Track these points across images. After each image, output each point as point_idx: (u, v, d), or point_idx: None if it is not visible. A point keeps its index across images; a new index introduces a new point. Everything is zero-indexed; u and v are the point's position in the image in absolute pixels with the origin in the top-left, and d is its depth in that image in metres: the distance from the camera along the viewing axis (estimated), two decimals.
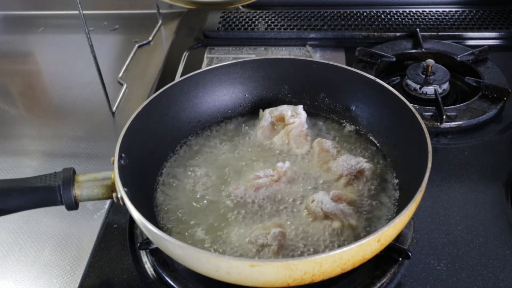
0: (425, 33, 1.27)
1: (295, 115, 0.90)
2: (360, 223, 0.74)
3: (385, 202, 0.78)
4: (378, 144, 0.88)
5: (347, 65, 0.94)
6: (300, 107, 0.92)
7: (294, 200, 0.79)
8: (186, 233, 0.75)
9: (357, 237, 0.72)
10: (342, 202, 0.76)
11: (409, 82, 1.09)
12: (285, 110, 0.91)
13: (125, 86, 1.21)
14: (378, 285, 0.70)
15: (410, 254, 0.70)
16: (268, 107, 0.95)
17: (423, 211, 0.81)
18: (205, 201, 0.79)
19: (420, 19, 1.34)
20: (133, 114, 0.81)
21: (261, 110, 0.95)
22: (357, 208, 0.77)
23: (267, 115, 0.92)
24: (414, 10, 1.39)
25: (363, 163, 0.81)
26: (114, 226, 0.83)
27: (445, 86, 1.08)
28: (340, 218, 0.73)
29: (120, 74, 1.25)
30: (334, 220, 0.73)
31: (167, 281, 0.72)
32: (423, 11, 1.38)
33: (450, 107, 1.02)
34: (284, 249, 0.70)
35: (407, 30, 1.29)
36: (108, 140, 1.00)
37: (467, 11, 1.38)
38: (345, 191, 0.79)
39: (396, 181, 0.81)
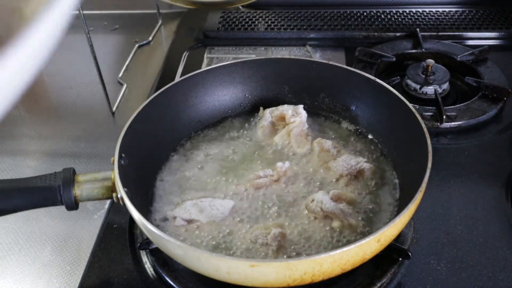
0: (425, 33, 1.27)
1: (296, 115, 0.90)
2: (359, 223, 0.74)
3: (385, 202, 0.78)
4: (378, 144, 0.88)
5: (347, 65, 0.94)
6: (301, 106, 0.92)
7: (294, 200, 0.79)
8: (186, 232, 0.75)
9: (357, 237, 0.72)
10: (342, 201, 0.76)
11: (409, 82, 1.09)
12: (286, 109, 0.91)
13: (125, 86, 1.21)
14: (378, 285, 0.70)
15: (410, 254, 0.70)
16: (268, 107, 0.95)
17: (423, 211, 0.81)
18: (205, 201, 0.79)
19: (420, 19, 1.34)
20: (133, 114, 0.81)
21: (261, 108, 0.96)
22: (357, 207, 0.77)
23: (268, 114, 0.92)
24: (414, 10, 1.39)
25: (363, 163, 0.81)
26: (114, 226, 0.83)
27: (445, 86, 1.08)
28: (339, 217, 0.73)
29: (120, 74, 1.25)
30: (334, 219, 0.73)
31: (167, 281, 0.72)
32: (423, 11, 1.38)
33: (450, 107, 1.02)
34: (283, 249, 0.70)
35: (407, 30, 1.29)
36: (108, 140, 1.00)
37: (467, 11, 1.37)
38: (345, 190, 0.79)
39: (396, 181, 0.81)
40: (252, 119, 0.96)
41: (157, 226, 0.73)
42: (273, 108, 0.94)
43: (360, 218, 0.75)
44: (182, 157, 0.88)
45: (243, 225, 0.75)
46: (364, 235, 0.72)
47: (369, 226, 0.74)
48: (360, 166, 0.81)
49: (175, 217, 0.75)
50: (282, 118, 0.91)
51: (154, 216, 0.77)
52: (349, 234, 0.73)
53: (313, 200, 0.75)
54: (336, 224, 0.73)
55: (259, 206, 0.78)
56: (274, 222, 0.75)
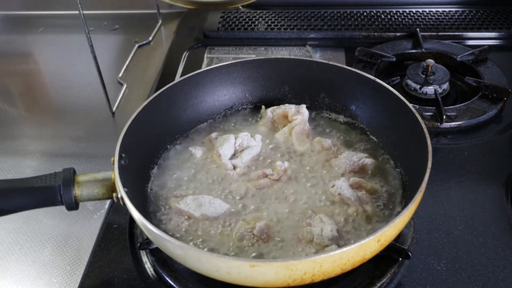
0: (425, 33, 1.27)
1: (298, 114, 0.91)
2: (376, 212, 0.75)
3: (385, 201, 0.78)
4: (378, 144, 0.88)
5: (347, 65, 0.94)
6: (304, 106, 0.92)
7: (295, 198, 0.79)
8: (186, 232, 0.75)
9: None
10: (361, 189, 0.78)
11: (409, 82, 1.09)
12: (289, 107, 0.92)
13: (125, 86, 1.21)
14: (378, 285, 0.70)
15: (410, 254, 0.70)
16: (269, 107, 0.95)
17: (423, 211, 0.81)
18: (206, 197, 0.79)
19: (420, 19, 1.34)
20: (133, 114, 0.81)
21: (263, 107, 0.96)
22: (376, 197, 0.78)
23: (269, 113, 0.93)
24: (414, 10, 1.39)
25: (365, 159, 0.82)
26: (114, 226, 0.83)
27: (445, 86, 1.08)
28: (355, 204, 0.75)
29: (120, 74, 1.25)
30: (349, 206, 0.75)
31: (167, 281, 0.72)
32: (423, 11, 1.38)
33: (450, 107, 1.02)
34: (271, 238, 0.72)
35: (407, 30, 1.29)
36: (108, 140, 1.00)
37: (467, 11, 1.38)
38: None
39: (396, 181, 0.81)
40: (252, 118, 0.96)
41: (157, 225, 0.73)
42: (275, 107, 0.94)
43: (377, 208, 0.76)
44: (182, 157, 0.88)
45: (245, 225, 0.74)
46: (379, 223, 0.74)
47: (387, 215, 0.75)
48: (362, 161, 0.82)
49: (178, 208, 0.76)
50: (284, 117, 0.92)
51: (154, 216, 0.77)
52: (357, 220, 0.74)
53: (333, 186, 0.78)
54: (351, 210, 0.75)
55: (260, 204, 0.78)
56: (254, 216, 0.75)
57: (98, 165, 0.98)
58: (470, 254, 0.75)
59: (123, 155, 0.74)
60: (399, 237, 0.75)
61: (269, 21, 1.37)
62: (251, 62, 0.96)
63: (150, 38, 1.40)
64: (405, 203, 0.75)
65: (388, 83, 0.86)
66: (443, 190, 0.86)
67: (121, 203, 0.69)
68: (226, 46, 1.30)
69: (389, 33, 1.29)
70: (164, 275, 0.73)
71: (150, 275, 0.75)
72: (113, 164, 0.71)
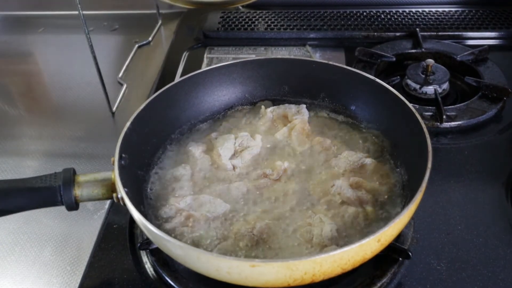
0: (425, 33, 1.27)
1: (298, 114, 0.91)
2: (377, 211, 0.75)
3: (385, 200, 0.78)
4: (378, 144, 0.88)
5: (347, 65, 0.94)
6: (304, 106, 0.92)
7: (294, 198, 0.79)
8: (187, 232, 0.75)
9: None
10: (361, 189, 0.77)
11: (409, 82, 1.09)
12: (289, 108, 0.92)
13: (125, 86, 1.21)
14: (378, 285, 0.70)
15: (410, 254, 0.70)
16: (268, 107, 0.95)
17: (423, 211, 0.81)
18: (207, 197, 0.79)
19: (420, 19, 1.34)
20: (133, 114, 0.81)
21: (263, 107, 0.96)
22: (377, 196, 0.77)
23: (269, 113, 0.93)
24: (414, 10, 1.39)
25: (365, 159, 0.82)
26: (114, 226, 0.83)
27: (445, 86, 1.08)
28: (356, 204, 0.75)
29: (120, 74, 1.25)
30: (349, 205, 0.75)
31: (167, 281, 0.72)
32: (423, 11, 1.38)
33: (450, 107, 1.02)
34: (272, 238, 0.72)
35: (407, 30, 1.29)
36: (108, 140, 1.00)
37: (467, 11, 1.38)
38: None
39: (396, 181, 0.81)
40: (252, 119, 0.96)
41: (157, 225, 0.73)
42: (275, 107, 0.94)
43: (377, 207, 0.76)
44: (182, 157, 0.88)
45: (245, 224, 0.74)
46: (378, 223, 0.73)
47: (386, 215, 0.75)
48: (362, 161, 0.82)
49: (178, 208, 0.76)
50: (284, 117, 0.92)
51: (154, 216, 0.77)
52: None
53: (333, 185, 0.78)
54: (351, 210, 0.74)
55: (260, 205, 0.78)
56: (254, 216, 0.75)
57: (98, 165, 0.98)
58: (470, 254, 0.75)
59: (123, 155, 0.74)
60: (399, 237, 0.75)
61: (269, 21, 1.37)
62: (251, 62, 0.96)
63: (150, 38, 1.40)
64: (405, 203, 0.75)
65: (388, 83, 0.86)
66: (443, 190, 0.86)
67: (121, 203, 0.69)
68: (226, 46, 1.30)
69: (389, 33, 1.29)
70: (164, 275, 0.73)
71: (150, 275, 0.75)
72: (113, 164, 0.71)
